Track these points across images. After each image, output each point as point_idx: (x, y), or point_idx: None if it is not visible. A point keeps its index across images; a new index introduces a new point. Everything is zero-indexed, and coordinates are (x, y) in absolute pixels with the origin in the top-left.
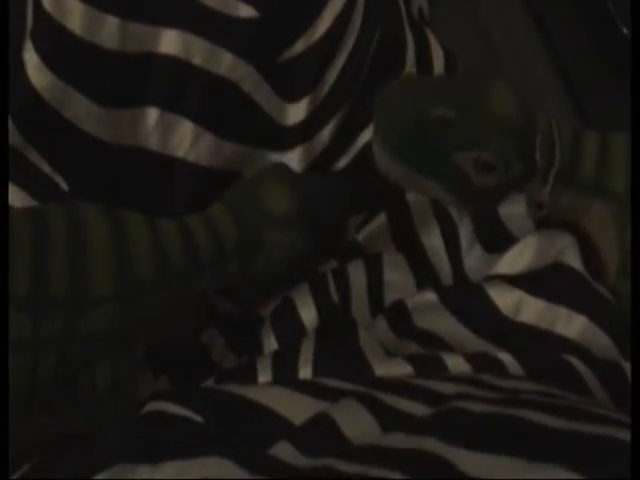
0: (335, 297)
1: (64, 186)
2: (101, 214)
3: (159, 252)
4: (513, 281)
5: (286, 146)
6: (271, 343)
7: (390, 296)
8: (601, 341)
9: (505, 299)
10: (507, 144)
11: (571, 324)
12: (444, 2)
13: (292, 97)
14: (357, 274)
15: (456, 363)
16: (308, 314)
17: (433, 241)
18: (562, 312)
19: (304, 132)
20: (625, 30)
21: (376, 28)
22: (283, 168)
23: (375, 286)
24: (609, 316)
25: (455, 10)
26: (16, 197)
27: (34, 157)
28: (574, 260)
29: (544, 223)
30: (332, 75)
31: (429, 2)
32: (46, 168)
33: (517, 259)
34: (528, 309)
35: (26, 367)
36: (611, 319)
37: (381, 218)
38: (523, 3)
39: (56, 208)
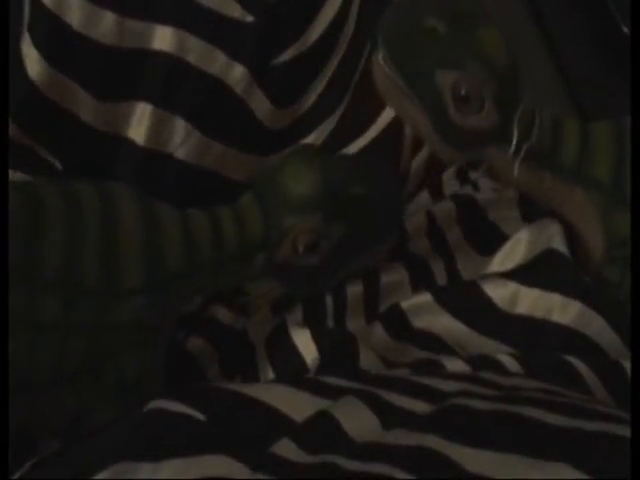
0: (330, 316)
1: (59, 166)
2: (135, 203)
3: (189, 245)
4: (506, 275)
5: (270, 151)
6: (268, 373)
7: (386, 300)
8: (596, 324)
9: (500, 293)
10: (487, 79)
11: (566, 310)
12: None
13: (282, 102)
14: (354, 286)
15: (456, 366)
16: (305, 346)
17: (423, 248)
18: (557, 299)
19: (288, 138)
20: (625, 29)
21: (368, 35)
22: (307, 149)
23: (371, 292)
24: (602, 299)
25: None
26: (11, 176)
27: (29, 142)
28: (562, 246)
29: (537, 212)
30: (321, 83)
31: None
32: (41, 151)
33: (508, 257)
34: (524, 300)
35: (53, 349)
36: (604, 301)
37: None
38: (524, 2)
39: (90, 191)
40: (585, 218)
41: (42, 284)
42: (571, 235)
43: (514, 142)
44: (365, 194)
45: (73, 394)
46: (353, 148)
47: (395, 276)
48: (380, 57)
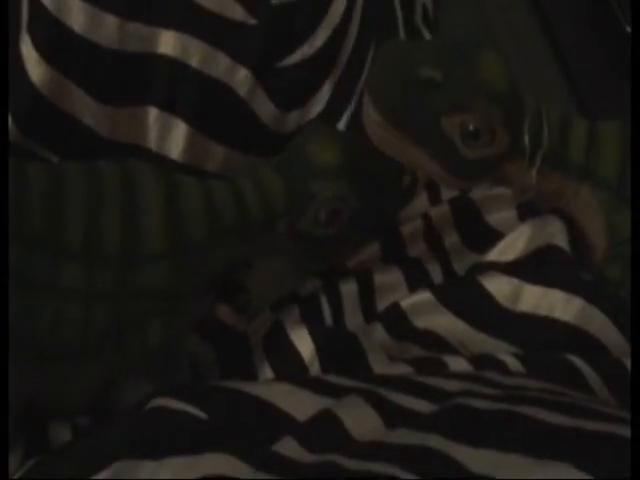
0: (328, 316)
1: None
2: (155, 174)
3: (212, 213)
4: (507, 270)
5: (276, 154)
6: (266, 373)
7: (382, 300)
8: (598, 321)
9: (502, 290)
10: (494, 111)
11: (568, 307)
12: (448, 2)
13: (287, 106)
14: (348, 285)
15: (458, 364)
16: (302, 343)
17: (420, 251)
18: (559, 296)
19: None
20: (628, 28)
21: (372, 41)
22: (327, 125)
23: (366, 292)
24: (604, 295)
25: (459, 9)
26: None
27: (32, 145)
28: (564, 244)
29: (534, 212)
30: (328, 87)
31: (434, 2)
32: (45, 154)
33: (509, 248)
34: (527, 297)
35: (78, 319)
36: (606, 298)
37: (373, 249)
38: (528, 3)
39: (111, 165)
40: (590, 215)
41: (64, 253)
42: (575, 233)
43: (528, 153)
44: (382, 168)
45: (99, 364)
46: None
47: (389, 276)
48: (372, 114)
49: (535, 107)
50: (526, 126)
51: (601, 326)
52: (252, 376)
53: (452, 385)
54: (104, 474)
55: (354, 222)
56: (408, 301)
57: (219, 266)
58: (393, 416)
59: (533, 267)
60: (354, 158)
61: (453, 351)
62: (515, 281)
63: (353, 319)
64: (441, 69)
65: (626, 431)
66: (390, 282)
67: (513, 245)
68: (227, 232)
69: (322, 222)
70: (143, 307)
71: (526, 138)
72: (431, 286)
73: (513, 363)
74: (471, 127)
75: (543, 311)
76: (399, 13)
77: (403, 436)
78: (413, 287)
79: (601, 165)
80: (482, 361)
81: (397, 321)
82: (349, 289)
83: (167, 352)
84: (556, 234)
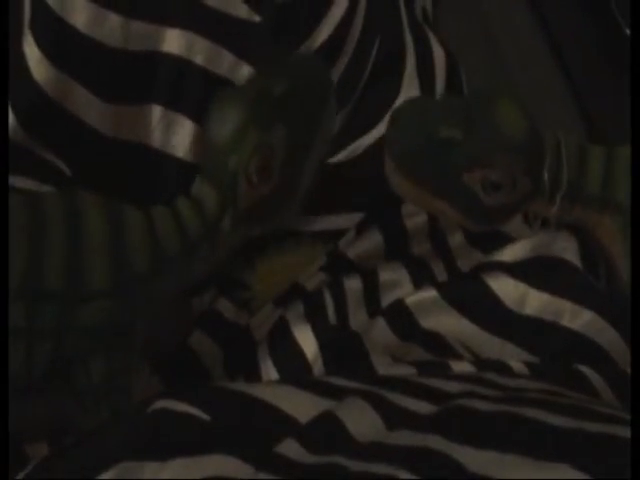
0: (331, 312)
1: (67, 171)
2: (99, 206)
3: (155, 244)
4: (513, 272)
5: None
6: (269, 370)
7: (387, 297)
8: (608, 335)
9: (509, 293)
10: (514, 161)
11: (577, 317)
12: (448, 2)
13: None
14: (352, 281)
15: (462, 368)
16: (306, 341)
17: (424, 249)
18: (567, 305)
19: None
20: (628, 31)
21: (376, 36)
22: (224, 88)
23: (371, 288)
24: (616, 311)
25: (458, 11)
26: (17, 181)
27: (35, 146)
28: (576, 260)
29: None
30: None
31: (433, 2)
32: (48, 155)
33: (516, 250)
34: (533, 302)
35: (20, 357)
36: (618, 314)
37: (376, 237)
38: (527, 3)
39: (55, 197)
40: (612, 238)
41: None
42: (599, 253)
43: (547, 193)
44: (289, 86)
45: (47, 399)
46: (359, 147)
47: (394, 274)
48: (392, 170)
49: (554, 142)
50: (546, 166)
51: (610, 339)
52: (255, 373)
53: (453, 386)
54: (107, 475)
55: (294, 157)
56: (413, 298)
57: (166, 295)
58: (394, 417)
59: (538, 272)
60: (253, 97)
61: (457, 355)
62: (522, 285)
63: (357, 316)
64: (460, 128)
65: (627, 433)
66: (395, 279)
67: (521, 248)
68: (171, 261)
69: (256, 183)
70: (87, 343)
71: (546, 176)
72: (436, 284)
73: (520, 370)
74: (492, 180)
75: (550, 317)
76: (402, 6)
77: (404, 437)
78: (418, 285)
79: (618, 191)
80: (486, 365)
81: (402, 319)
82: (353, 285)
83: (110, 388)
84: (567, 249)
